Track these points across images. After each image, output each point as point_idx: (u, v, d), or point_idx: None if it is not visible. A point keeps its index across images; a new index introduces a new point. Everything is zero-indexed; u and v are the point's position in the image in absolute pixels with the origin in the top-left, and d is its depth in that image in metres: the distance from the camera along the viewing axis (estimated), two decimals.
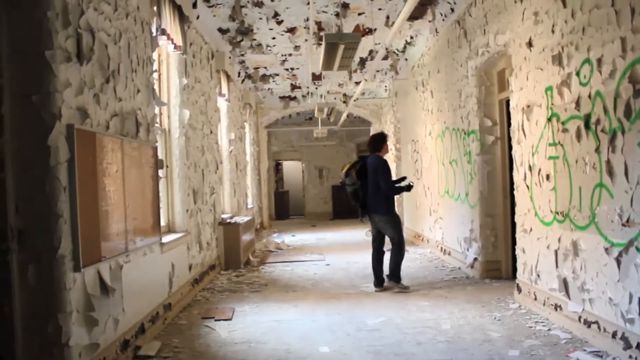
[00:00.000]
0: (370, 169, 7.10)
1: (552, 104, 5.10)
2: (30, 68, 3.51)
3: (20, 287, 3.49)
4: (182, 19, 6.44)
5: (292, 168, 23.96)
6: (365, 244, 10.07)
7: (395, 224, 7.08)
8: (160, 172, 6.01)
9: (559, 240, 5.04)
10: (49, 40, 3.54)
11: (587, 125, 4.49)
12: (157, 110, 6.05)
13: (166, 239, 6.09)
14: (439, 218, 9.78)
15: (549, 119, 5.18)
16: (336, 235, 14.34)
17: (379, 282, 7.12)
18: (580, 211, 4.66)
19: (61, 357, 3.52)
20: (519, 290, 6.02)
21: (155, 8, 5.66)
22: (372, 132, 18.43)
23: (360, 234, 12.75)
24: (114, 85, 4.48)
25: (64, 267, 3.56)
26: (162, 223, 6.25)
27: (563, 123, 4.90)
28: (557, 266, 5.10)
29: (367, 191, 7.10)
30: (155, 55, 5.78)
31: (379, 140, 7.32)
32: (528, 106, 5.65)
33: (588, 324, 4.56)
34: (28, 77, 3.51)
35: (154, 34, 5.65)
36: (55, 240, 3.53)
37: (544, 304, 5.40)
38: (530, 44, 5.52)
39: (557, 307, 5.12)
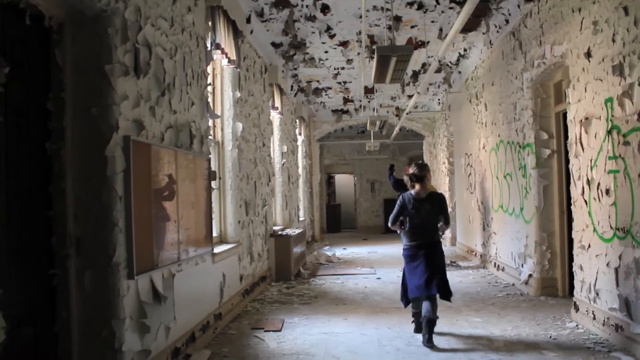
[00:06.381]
0: None
1: (613, 116, 4.92)
2: (90, 81, 3.65)
3: (77, 292, 3.60)
4: (236, 33, 6.58)
5: (344, 181, 23.95)
6: None
7: None
8: (213, 184, 6.13)
9: (620, 257, 4.83)
10: (108, 55, 3.68)
11: None
12: (210, 123, 6.17)
13: (218, 249, 6.18)
14: (492, 233, 9.55)
15: (609, 132, 5.00)
16: (388, 248, 14.22)
17: None
18: None
19: None
20: (577, 308, 5.80)
21: (209, 23, 5.80)
22: (424, 146, 18.35)
23: None
24: (169, 98, 4.61)
25: (119, 275, 3.66)
26: (214, 234, 6.36)
27: (624, 135, 4.72)
28: (617, 285, 4.89)
29: None
30: (209, 69, 5.92)
31: None
32: (586, 118, 5.47)
33: None
34: (88, 90, 3.65)
35: (209, 49, 5.79)
36: (111, 248, 3.63)
37: (603, 324, 5.17)
38: (588, 54, 5.35)
39: (618, 327, 4.90)
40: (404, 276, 5.77)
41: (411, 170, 5.65)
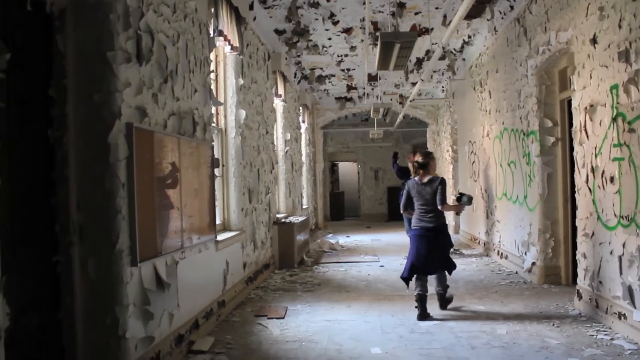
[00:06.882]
0: None
1: (618, 103, 4.89)
2: (92, 68, 3.63)
3: (81, 279, 3.61)
4: (239, 20, 6.54)
5: (347, 169, 23.92)
6: None
7: None
8: (216, 171, 6.12)
9: (624, 245, 4.82)
10: (110, 42, 3.66)
11: None
12: (213, 110, 6.15)
13: (221, 236, 6.19)
14: (496, 221, 9.54)
15: (614, 119, 4.96)
16: (391, 236, 14.23)
17: None
18: None
19: (118, 349, 3.63)
20: (580, 296, 5.79)
21: (212, 10, 5.77)
22: (428, 134, 18.29)
23: None
24: (172, 85, 4.59)
25: (122, 262, 3.66)
26: (218, 221, 6.36)
27: (629, 123, 4.68)
28: (621, 273, 4.88)
29: None
30: (212, 56, 5.89)
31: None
32: (591, 105, 5.44)
33: None
34: (90, 77, 3.63)
35: (211, 35, 5.76)
36: (114, 235, 3.63)
37: (606, 312, 5.17)
38: (594, 41, 5.31)
39: (621, 315, 4.90)
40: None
41: (416, 158, 6.09)
